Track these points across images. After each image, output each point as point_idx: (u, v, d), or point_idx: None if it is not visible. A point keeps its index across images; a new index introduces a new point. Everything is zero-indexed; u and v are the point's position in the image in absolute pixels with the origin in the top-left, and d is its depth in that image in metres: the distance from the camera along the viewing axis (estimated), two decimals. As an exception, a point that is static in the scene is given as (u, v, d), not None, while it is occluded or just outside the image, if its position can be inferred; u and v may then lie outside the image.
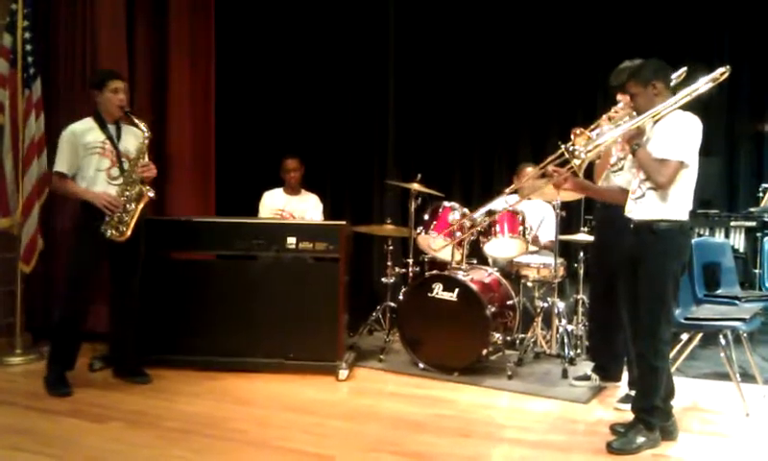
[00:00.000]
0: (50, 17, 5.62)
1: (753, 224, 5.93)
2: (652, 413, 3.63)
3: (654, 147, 3.55)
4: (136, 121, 4.46)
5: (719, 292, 4.97)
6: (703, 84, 3.62)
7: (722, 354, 4.31)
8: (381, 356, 5.23)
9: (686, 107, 3.61)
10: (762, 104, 6.35)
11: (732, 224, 5.99)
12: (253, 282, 4.93)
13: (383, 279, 5.86)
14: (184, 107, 6.10)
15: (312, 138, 7.02)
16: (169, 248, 5.08)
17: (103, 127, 4.44)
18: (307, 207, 6.10)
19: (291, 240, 4.90)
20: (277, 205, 6.07)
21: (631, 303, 3.76)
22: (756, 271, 5.73)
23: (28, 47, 5.09)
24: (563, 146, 3.67)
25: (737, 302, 4.77)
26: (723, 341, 4.31)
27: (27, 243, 5.11)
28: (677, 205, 3.57)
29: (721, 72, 3.61)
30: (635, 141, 3.59)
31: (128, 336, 4.65)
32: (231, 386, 4.61)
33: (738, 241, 5.99)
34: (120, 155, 4.44)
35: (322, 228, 5.14)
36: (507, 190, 5.04)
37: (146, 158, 4.50)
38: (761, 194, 6.01)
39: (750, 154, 6.43)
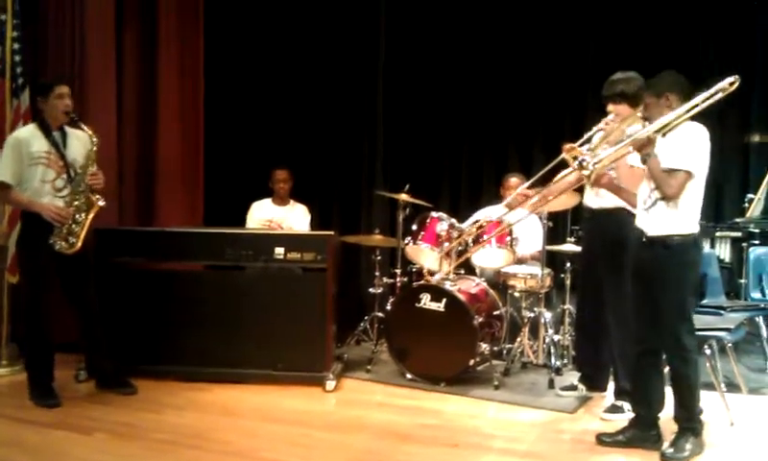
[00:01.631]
0: (38, 29, 5.59)
1: (738, 234, 5.93)
2: (695, 420, 3.66)
3: (663, 157, 3.56)
4: (83, 127, 4.34)
5: (704, 302, 4.99)
6: (713, 94, 3.55)
7: (707, 364, 4.32)
8: (369, 367, 5.23)
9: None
10: (747, 114, 6.38)
11: (718, 234, 6.00)
12: (241, 293, 4.93)
13: (371, 290, 5.86)
14: (173, 115, 6.12)
15: (300, 148, 7.02)
16: (157, 259, 5.06)
17: (47, 134, 4.32)
18: (295, 218, 6.11)
19: (279, 250, 4.89)
20: (265, 215, 6.08)
21: (637, 313, 3.77)
22: (742, 281, 5.74)
23: (17, 57, 5.08)
24: (574, 160, 3.60)
25: (722, 312, 4.78)
26: (708, 351, 4.33)
27: (13, 254, 5.05)
28: (688, 217, 3.60)
29: (730, 82, 3.56)
30: (645, 151, 3.57)
31: (97, 348, 4.57)
32: (219, 397, 4.61)
33: (724, 251, 6.00)
34: (67, 164, 4.34)
35: (310, 238, 5.15)
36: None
37: (95, 167, 4.38)
38: (747, 204, 6.04)
39: (735, 164, 6.45)
